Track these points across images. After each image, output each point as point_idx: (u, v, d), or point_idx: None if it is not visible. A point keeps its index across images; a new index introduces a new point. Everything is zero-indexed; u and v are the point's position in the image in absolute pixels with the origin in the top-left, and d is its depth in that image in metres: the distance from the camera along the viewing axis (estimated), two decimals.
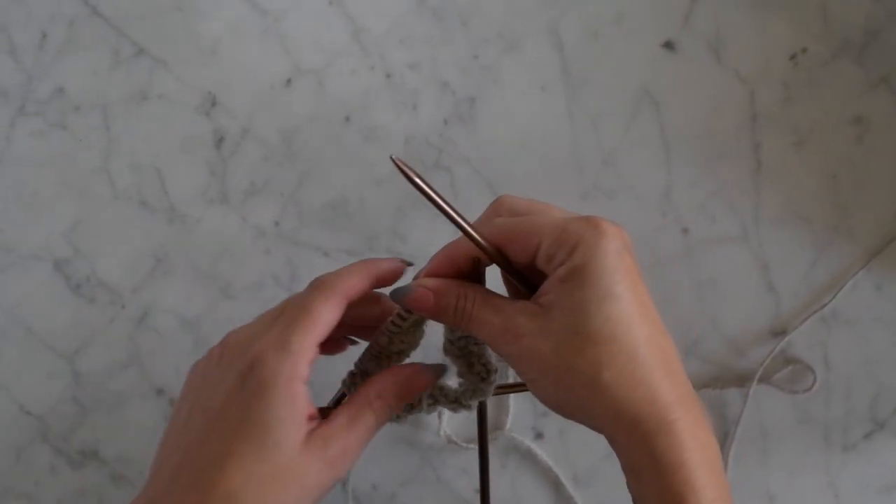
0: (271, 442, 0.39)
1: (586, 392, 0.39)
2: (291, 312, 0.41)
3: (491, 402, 0.57)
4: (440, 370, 0.44)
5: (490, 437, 0.57)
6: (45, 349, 0.58)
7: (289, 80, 0.58)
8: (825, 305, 0.56)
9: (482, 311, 0.41)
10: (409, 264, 0.45)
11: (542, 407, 0.56)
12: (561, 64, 0.57)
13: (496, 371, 0.45)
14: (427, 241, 0.57)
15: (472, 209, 0.57)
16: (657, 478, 0.38)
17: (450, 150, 0.57)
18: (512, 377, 0.55)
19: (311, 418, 0.40)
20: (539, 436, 0.57)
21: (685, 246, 0.57)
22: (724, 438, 0.56)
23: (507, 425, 0.57)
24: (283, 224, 0.58)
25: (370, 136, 0.58)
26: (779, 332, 0.56)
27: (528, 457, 0.57)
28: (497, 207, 0.44)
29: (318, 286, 0.42)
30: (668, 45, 0.57)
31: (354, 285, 0.42)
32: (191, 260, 0.58)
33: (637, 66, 0.57)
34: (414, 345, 0.45)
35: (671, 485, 0.37)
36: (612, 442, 0.40)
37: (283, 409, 0.39)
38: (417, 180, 0.39)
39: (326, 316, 0.41)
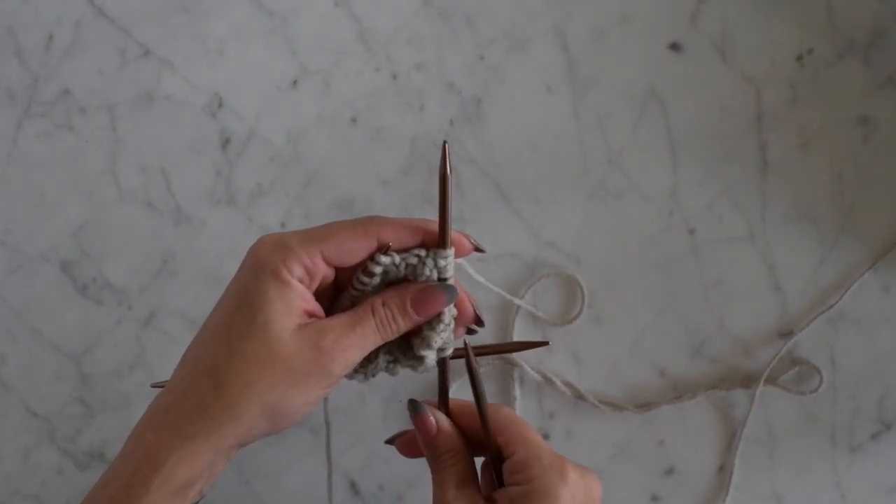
0: (260, 320, 0.39)
1: None
2: (321, 225, 0.42)
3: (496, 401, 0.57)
4: (452, 293, 0.43)
5: None
6: (52, 350, 0.58)
7: (295, 81, 0.58)
8: (832, 306, 0.56)
9: (446, 478, 0.45)
10: (481, 250, 0.46)
11: (548, 408, 0.57)
12: (567, 64, 0.57)
13: (448, 324, 0.44)
14: None
15: (480, 210, 0.57)
16: None
17: (456, 151, 0.57)
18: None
19: (310, 314, 0.41)
20: (545, 437, 0.57)
21: (692, 246, 0.57)
22: (731, 439, 0.56)
23: None
24: (289, 225, 0.58)
25: (376, 136, 0.58)
26: (785, 333, 0.56)
27: None
28: None
29: (364, 218, 0.43)
30: (675, 46, 0.57)
31: (400, 234, 0.42)
32: (197, 261, 0.58)
33: (643, 66, 0.57)
34: None
35: None
36: None
37: (272, 292, 0.40)
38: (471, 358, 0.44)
39: (344, 241, 0.41)
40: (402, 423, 0.57)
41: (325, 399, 0.50)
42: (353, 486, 0.57)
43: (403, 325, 0.43)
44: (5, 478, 0.58)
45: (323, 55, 0.58)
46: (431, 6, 0.58)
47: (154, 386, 0.49)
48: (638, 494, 0.57)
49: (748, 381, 0.56)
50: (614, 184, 0.57)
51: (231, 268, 0.57)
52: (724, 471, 0.56)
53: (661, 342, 0.56)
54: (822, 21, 0.57)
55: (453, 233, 0.44)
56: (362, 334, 0.42)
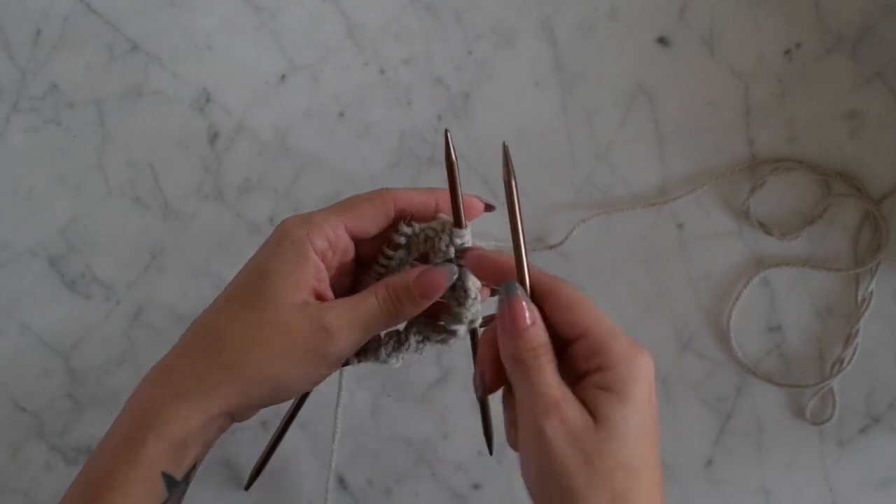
0: (265, 290, 0.41)
1: None
2: (339, 201, 0.44)
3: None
4: (451, 270, 0.43)
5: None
6: (41, 346, 0.58)
7: (283, 76, 0.58)
8: (820, 301, 0.56)
9: (544, 374, 0.38)
10: (492, 208, 0.46)
11: None
12: (555, 59, 0.57)
13: (475, 298, 0.44)
14: None
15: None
16: None
17: (444, 146, 0.57)
18: None
19: (318, 296, 0.42)
20: None
21: (680, 240, 0.57)
22: (719, 433, 0.56)
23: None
24: (277, 220, 0.57)
25: (364, 131, 0.58)
26: (774, 327, 0.56)
27: None
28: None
29: (377, 190, 0.44)
30: (663, 40, 0.57)
31: (414, 198, 0.44)
32: (185, 256, 0.58)
33: (631, 61, 0.57)
34: None
35: None
36: None
37: (286, 266, 0.41)
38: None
39: (365, 210, 0.43)
40: (391, 417, 0.57)
41: (339, 395, 0.50)
42: (342, 481, 0.57)
43: (409, 307, 0.43)
44: None
45: (311, 50, 0.58)
46: (419, 1, 0.58)
47: None
48: None
49: (736, 375, 0.56)
50: (602, 178, 0.57)
51: (219, 263, 0.58)
52: (711, 465, 0.56)
53: (649, 336, 0.56)
54: (810, 16, 0.57)
55: (463, 197, 0.44)
56: (364, 313, 0.42)
